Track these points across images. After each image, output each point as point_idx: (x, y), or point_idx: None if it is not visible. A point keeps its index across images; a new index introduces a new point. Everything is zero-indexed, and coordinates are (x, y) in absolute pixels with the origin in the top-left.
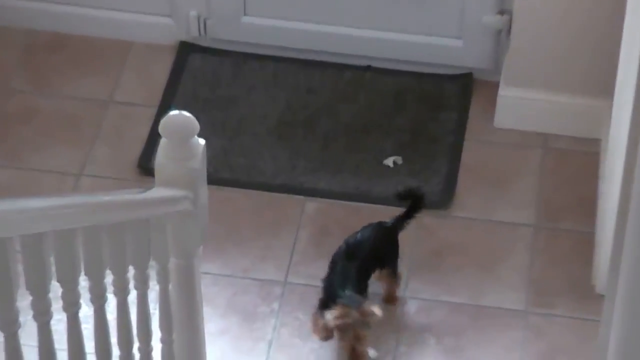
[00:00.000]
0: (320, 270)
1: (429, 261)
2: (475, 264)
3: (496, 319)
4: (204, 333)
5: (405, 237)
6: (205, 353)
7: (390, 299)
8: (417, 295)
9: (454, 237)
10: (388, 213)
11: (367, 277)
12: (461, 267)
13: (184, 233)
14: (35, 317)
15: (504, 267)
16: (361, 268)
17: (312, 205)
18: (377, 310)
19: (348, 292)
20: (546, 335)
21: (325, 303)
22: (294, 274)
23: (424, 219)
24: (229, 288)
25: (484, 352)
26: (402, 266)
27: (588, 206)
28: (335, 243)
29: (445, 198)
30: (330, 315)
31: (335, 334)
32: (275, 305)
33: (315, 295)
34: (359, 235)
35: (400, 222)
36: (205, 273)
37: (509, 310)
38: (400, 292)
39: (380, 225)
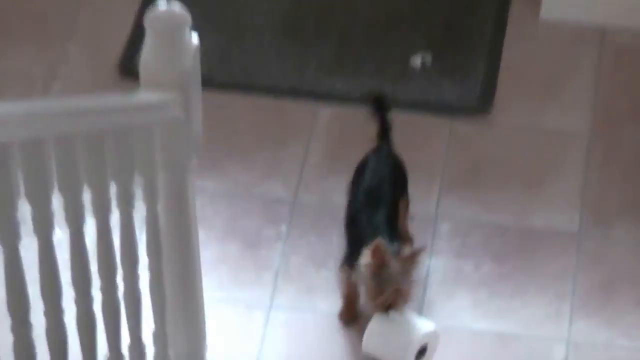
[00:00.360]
0: (335, 187)
1: (465, 176)
2: (520, 179)
3: (545, 242)
4: (199, 261)
5: (437, 149)
6: (200, 284)
7: (406, 237)
8: (451, 216)
9: (494, 149)
10: (414, 121)
11: (396, 220)
12: (503, 183)
13: (173, 143)
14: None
15: (553, 183)
16: (390, 213)
17: (326, 111)
18: (419, 254)
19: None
20: (604, 260)
21: (351, 257)
22: (305, 191)
23: (458, 128)
24: (228, 209)
25: (530, 282)
26: (432, 183)
27: None
28: (353, 155)
29: (484, 103)
30: (365, 255)
31: (369, 287)
32: (283, 228)
33: (329, 216)
34: (371, 175)
35: (388, 135)
36: (201, 191)
37: (560, 232)
38: (431, 210)
39: (386, 153)
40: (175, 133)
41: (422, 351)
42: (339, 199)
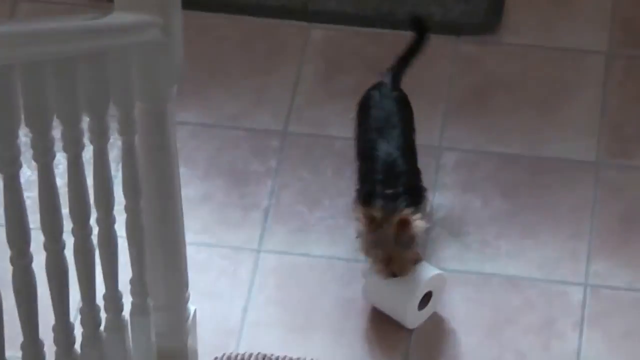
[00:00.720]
0: (330, 116)
1: (472, 102)
2: (531, 104)
3: (559, 174)
4: (180, 199)
5: (441, 71)
6: (182, 226)
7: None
8: (457, 145)
9: (503, 69)
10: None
11: (414, 153)
12: (514, 108)
13: (152, 70)
14: None
15: (568, 107)
16: (404, 142)
17: (318, 32)
18: (420, 222)
19: (392, 191)
20: (624, 193)
21: (367, 193)
22: (297, 121)
23: (464, 48)
24: (212, 141)
25: (544, 216)
26: (436, 110)
27: None
28: (349, 81)
29: (491, 19)
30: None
31: (364, 244)
32: (273, 163)
33: (323, 148)
34: (379, 107)
35: (404, 66)
36: (182, 123)
37: (576, 162)
38: (435, 140)
39: (391, 87)
40: (153, 58)
41: (428, 296)
42: (334, 130)
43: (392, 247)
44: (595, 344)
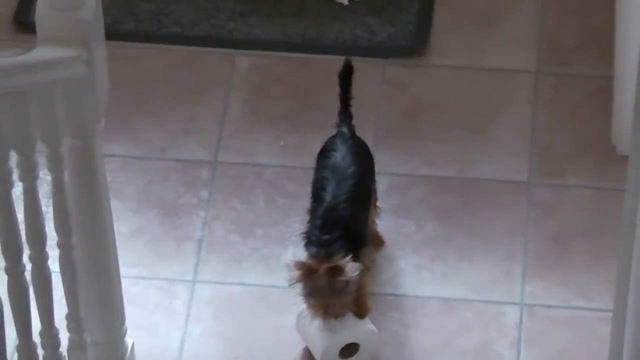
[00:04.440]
0: (259, 144)
1: (402, 124)
2: (462, 125)
3: (492, 195)
4: (113, 234)
5: (369, 96)
6: (116, 259)
7: (378, 240)
8: (389, 169)
9: (432, 92)
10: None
11: (369, 201)
12: (444, 130)
13: (77, 105)
14: None
15: (499, 127)
16: (359, 190)
17: (245, 59)
18: (351, 268)
19: (327, 237)
20: (556, 211)
21: (305, 241)
22: (226, 150)
23: (392, 72)
24: (142, 174)
25: (478, 238)
26: (365, 135)
27: (603, 43)
28: (278, 108)
29: (419, 42)
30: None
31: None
32: (204, 194)
33: (254, 177)
34: (338, 154)
35: (350, 115)
36: (111, 155)
37: (508, 182)
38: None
39: (350, 136)
40: (78, 93)
41: (353, 348)
42: (264, 158)
43: (326, 294)
44: None
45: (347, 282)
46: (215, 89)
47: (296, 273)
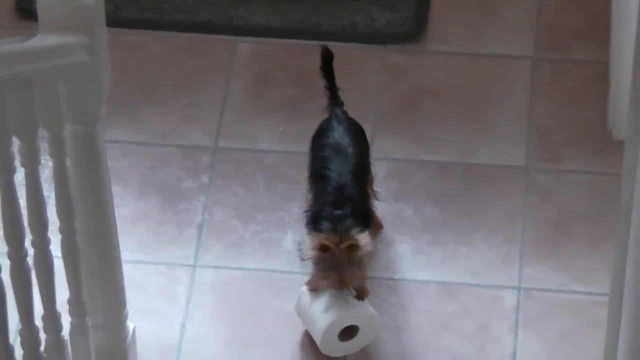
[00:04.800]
0: (260, 130)
1: (400, 110)
2: (460, 111)
3: (491, 180)
4: (114, 219)
5: (368, 82)
6: (117, 244)
7: (377, 224)
8: (388, 154)
9: (431, 78)
10: (340, 52)
11: (366, 182)
12: (442, 116)
13: (79, 91)
14: None
15: (497, 113)
16: (357, 171)
17: (245, 46)
18: (366, 240)
19: (340, 212)
20: (554, 196)
21: (319, 218)
22: (227, 136)
23: (390, 58)
24: (143, 159)
25: (477, 223)
26: (365, 121)
27: (601, 30)
28: (278, 94)
29: (417, 28)
30: (307, 245)
31: (312, 274)
32: (205, 178)
33: (255, 162)
34: (334, 135)
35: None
36: (113, 141)
37: (506, 167)
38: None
39: (345, 117)
40: (80, 79)
41: (353, 330)
42: (265, 144)
43: (345, 268)
44: (531, 346)
45: (362, 255)
46: (216, 76)
47: (314, 249)
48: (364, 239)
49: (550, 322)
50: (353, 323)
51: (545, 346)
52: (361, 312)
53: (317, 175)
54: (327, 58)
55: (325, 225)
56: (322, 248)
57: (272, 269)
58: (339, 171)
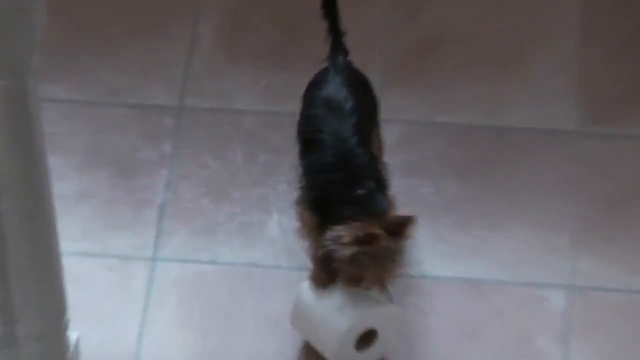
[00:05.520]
0: (235, 84)
1: (415, 59)
2: (491, 58)
3: (529, 146)
4: (52, 198)
5: (375, 19)
6: (56, 230)
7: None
8: (398, 115)
9: (453, 16)
10: None
11: (370, 144)
12: (467, 65)
13: (7, 37)
14: None
15: (538, 60)
16: (361, 129)
17: None
18: (413, 220)
19: (363, 192)
20: (611, 167)
21: (313, 194)
22: (195, 93)
23: None
24: (90, 123)
25: (513, 202)
26: (370, 73)
27: None
28: (259, 37)
29: None
30: (333, 239)
31: (344, 273)
32: (167, 147)
33: (230, 126)
34: (331, 87)
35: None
36: (50, 100)
37: (549, 131)
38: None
39: (346, 65)
40: (5, 21)
41: (370, 336)
42: (243, 102)
43: (392, 259)
44: None
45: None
46: (181, 18)
47: (355, 242)
48: (409, 219)
49: (609, 331)
50: (374, 326)
51: None
52: (385, 311)
53: (307, 142)
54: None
55: (346, 210)
56: (369, 239)
57: (253, 263)
58: (336, 134)
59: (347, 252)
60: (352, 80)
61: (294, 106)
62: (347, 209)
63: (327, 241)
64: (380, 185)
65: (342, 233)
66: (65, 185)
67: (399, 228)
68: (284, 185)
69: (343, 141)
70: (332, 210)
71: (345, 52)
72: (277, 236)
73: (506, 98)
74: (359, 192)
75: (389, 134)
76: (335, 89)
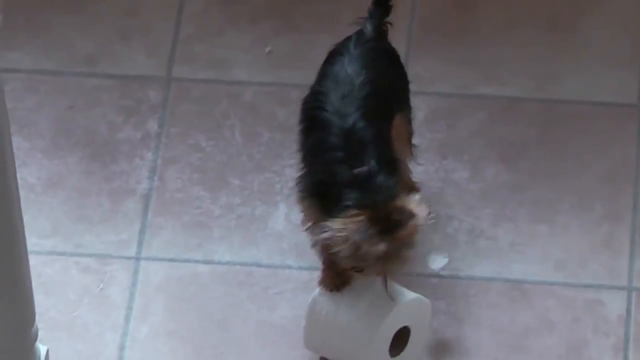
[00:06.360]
0: (234, 50)
1: (449, 18)
2: (540, 19)
3: (585, 123)
4: (16, 187)
5: None
6: (21, 226)
7: (410, 185)
8: (429, 86)
9: None
10: None
11: (389, 137)
12: (512, 28)
13: None
14: None
15: (595, 21)
16: (380, 123)
17: None
18: (424, 210)
19: (366, 171)
20: None
21: (319, 186)
22: (185, 60)
23: None
24: (60, 96)
25: (564, 190)
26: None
27: None
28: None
29: None
30: (330, 233)
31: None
32: (153, 125)
33: (228, 100)
34: (351, 63)
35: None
36: (12, 70)
37: (609, 106)
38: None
39: (370, 41)
40: None
41: (403, 335)
42: (242, 72)
43: (399, 252)
44: None
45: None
46: None
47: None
48: (420, 207)
49: None
50: (407, 322)
51: None
52: (414, 303)
53: (308, 122)
54: None
55: (353, 196)
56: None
57: (255, 262)
58: (337, 110)
59: (344, 252)
60: (375, 54)
61: (305, 76)
62: (349, 194)
63: (324, 237)
64: (388, 165)
65: (338, 227)
66: (31, 172)
67: (400, 222)
68: (292, 170)
69: (343, 118)
70: (334, 196)
71: (387, 11)
72: (283, 231)
73: (557, 66)
74: (357, 172)
75: (417, 109)
76: (349, 61)
